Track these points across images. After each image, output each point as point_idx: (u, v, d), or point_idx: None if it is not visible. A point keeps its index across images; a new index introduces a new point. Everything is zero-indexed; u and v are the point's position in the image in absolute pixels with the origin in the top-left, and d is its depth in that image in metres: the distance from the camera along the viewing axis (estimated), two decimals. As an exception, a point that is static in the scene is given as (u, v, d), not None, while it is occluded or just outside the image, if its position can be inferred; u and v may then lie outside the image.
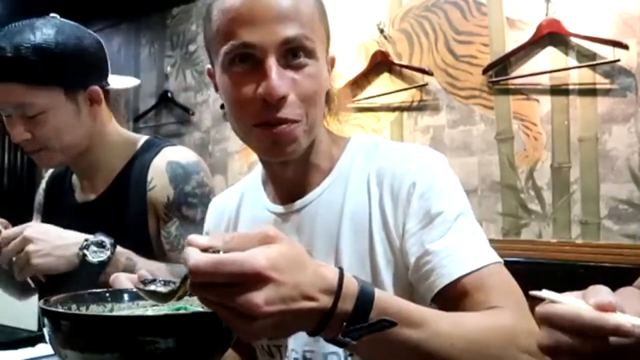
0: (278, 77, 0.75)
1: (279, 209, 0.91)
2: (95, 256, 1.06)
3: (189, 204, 1.20)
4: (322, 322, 0.56)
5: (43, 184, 1.45)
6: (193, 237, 0.54)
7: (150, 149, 1.28)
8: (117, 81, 1.31)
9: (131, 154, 1.28)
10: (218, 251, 0.53)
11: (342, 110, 0.94)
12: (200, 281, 0.52)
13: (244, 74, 0.77)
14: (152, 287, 0.66)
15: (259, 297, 0.51)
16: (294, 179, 0.89)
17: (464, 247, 0.78)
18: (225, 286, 0.51)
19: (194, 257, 0.52)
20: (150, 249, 1.21)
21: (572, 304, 0.52)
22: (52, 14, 1.22)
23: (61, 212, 1.34)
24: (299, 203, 0.89)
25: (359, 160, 0.89)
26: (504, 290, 0.77)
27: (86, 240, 1.07)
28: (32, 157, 1.22)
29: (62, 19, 1.20)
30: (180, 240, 1.19)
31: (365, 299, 0.58)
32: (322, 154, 0.89)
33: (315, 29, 0.79)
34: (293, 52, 0.77)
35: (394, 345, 0.60)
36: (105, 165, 1.27)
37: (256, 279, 0.51)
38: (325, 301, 0.55)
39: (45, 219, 1.40)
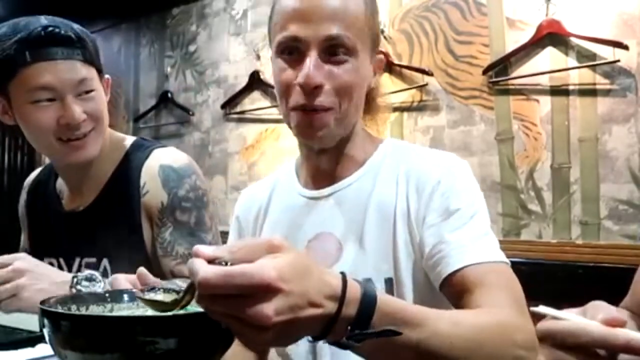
0: (315, 68, 0.85)
1: (311, 193, 1.00)
2: (89, 291, 0.99)
3: (182, 208, 1.18)
4: (327, 328, 0.57)
5: (24, 195, 1.39)
6: (199, 248, 0.54)
7: (139, 151, 1.25)
8: None
9: (120, 156, 1.25)
10: (225, 262, 0.53)
11: (379, 112, 1.04)
12: (209, 293, 0.52)
13: (289, 62, 0.89)
14: (153, 296, 0.66)
15: (269, 308, 0.51)
16: (327, 167, 0.98)
17: (474, 242, 0.84)
18: (234, 298, 0.52)
19: (203, 269, 0.52)
20: (145, 256, 1.19)
21: (576, 320, 0.51)
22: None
23: (47, 222, 1.30)
24: (329, 189, 0.98)
25: (390, 159, 0.98)
26: (506, 289, 0.80)
27: (75, 277, 1.00)
28: (78, 145, 1.18)
29: None
30: (174, 246, 1.17)
31: (368, 303, 0.59)
32: (357, 147, 0.98)
33: (359, 29, 0.88)
34: (334, 49, 0.87)
35: (395, 346, 0.61)
36: (95, 170, 1.23)
37: (266, 290, 0.51)
38: (330, 307, 0.56)
39: (30, 230, 1.36)
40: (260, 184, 1.13)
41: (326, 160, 0.97)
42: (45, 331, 0.63)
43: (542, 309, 0.55)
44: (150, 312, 0.73)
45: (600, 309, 0.52)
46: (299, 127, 0.91)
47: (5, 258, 1.05)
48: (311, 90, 0.86)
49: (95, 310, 0.75)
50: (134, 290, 0.70)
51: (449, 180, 0.90)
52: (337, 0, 0.87)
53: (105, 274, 1.20)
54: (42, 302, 0.67)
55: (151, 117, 3.36)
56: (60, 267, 1.27)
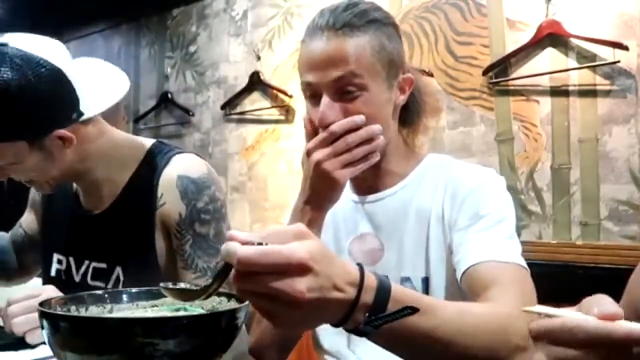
0: (328, 109, 0.95)
1: (359, 198, 1.09)
2: None
3: (202, 220, 1.15)
4: (347, 313, 0.61)
5: None
6: (234, 233, 0.58)
7: (157, 158, 1.21)
8: (98, 100, 1.14)
9: (137, 162, 1.21)
10: (259, 244, 0.56)
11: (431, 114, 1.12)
12: (247, 270, 0.55)
13: (312, 104, 0.99)
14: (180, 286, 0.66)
15: (302, 285, 0.55)
16: (365, 180, 1.05)
17: (496, 243, 0.91)
18: (269, 275, 0.55)
19: (242, 248, 0.55)
20: (155, 267, 1.17)
21: (570, 316, 0.51)
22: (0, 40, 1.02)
23: (62, 220, 1.30)
24: (373, 197, 1.08)
25: (431, 172, 1.06)
26: (518, 289, 0.85)
27: None
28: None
29: (11, 48, 1.01)
30: (195, 260, 1.15)
31: (383, 291, 0.63)
32: (396, 162, 1.06)
33: (366, 65, 0.96)
34: (343, 88, 0.95)
35: (409, 332, 0.66)
36: (108, 180, 1.20)
37: (299, 268, 0.56)
38: (351, 292, 0.61)
39: (45, 226, 1.36)
40: None
41: (367, 176, 1.02)
42: (45, 332, 0.63)
43: (537, 308, 0.55)
44: (149, 313, 0.73)
45: (594, 303, 0.51)
46: None
47: (35, 290, 1.04)
48: (325, 127, 0.95)
49: (94, 311, 0.75)
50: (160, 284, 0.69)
51: (482, 189, 0.98)
52: (341, 45, 0.95)
53: (117, 283, 1.19)
54: (42, 304, 0.67)
55: (151, 117, 3.36)
56: (68, 266, 1.26)
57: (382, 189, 1.07)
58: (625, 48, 1.83)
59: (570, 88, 1.98)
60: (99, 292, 0.77)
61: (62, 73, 1.04)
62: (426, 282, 1.00)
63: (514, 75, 2.09)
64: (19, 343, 1.01)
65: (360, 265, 0.64)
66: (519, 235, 0.99)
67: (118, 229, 1.19)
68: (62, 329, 0.61)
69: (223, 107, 2.98)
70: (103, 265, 1.21)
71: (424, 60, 2.30)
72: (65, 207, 1.30)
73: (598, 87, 1.92)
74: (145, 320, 0.63)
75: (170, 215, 1.16)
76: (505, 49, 2.11)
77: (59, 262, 1.28)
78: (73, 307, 0.73)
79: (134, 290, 0.78)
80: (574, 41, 1.96)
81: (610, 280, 1.96)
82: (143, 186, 1.19)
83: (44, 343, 0.98)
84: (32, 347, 1.01)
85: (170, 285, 0.66)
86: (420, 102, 1.09)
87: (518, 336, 0.73)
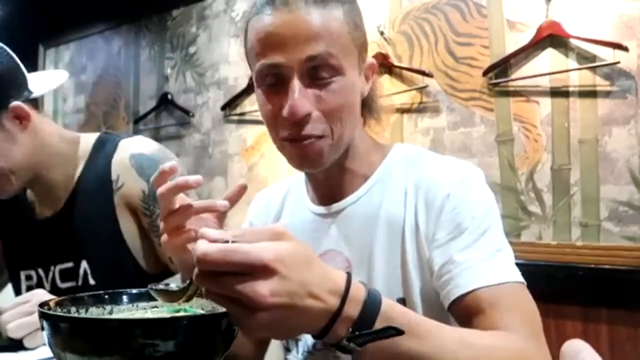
0: (300, 97, 0.79)
1: (319, 209, 0.96)
2: None
3: None
4: (327, 325, 0.56)
5: None
6: (205, 230, 0.55)
7: (104, 146, 1.21)
8: (41, 84, 1.20)
9: (85, 156, 1.21)
10: (227, 242, 0.54)
11: (382, 113, 0.98)
12: (207, 269, 0.52)
13: (273, 91, 0.82)
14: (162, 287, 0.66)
15: (264, 287, 0.51)
16: (329, 183, 0.94)
17: (486, 261, 0.79)
18: (232, 276, 0.52)
19: (203, 245, 0.52)
20: (125, 250, 1.17)
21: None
22: None
23: (20, 233, 1.28)
24: (336, 206, 0.94)
25: (399, 168, 0.92)
26: (519, 312, 0.75)
27: None
28: None
29: None
30: None
31: (371, 305, 0.57)
32: (360, 159, 0.93)
33: (342, 44, 0.81)
34: (317, 70, 0.80)
35: (397, 356, 0.59)
36: (60, 177, 1.20)
37: (263, 270, 0.51)
38: (332, 302, 0.56)
39: (5, 247, 1.34)
40: (274, 189, 1.10)
41: (329, 178, 0.93)
42: (45, 334, 0.63)
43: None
44: (149, 314, 0.73)
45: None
46: (291, 159, 0.87)
47: (25, 295, 1.05)
48: (298, 120, 0.80)
49: (94, 312, 0.75)
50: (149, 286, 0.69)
51: (460, 193, 0.85)
52: (315, 17, 0.79)
53: (85, 277, 1.18)
54: (41, 305, 0.67)
55: (151, 118, 3.36)
56: (39, 279, 1.24)
57: (345, 195, 0.93)
58: (625, 49, 1.83)
59: (570, 89, 1.98)
60: (99, 292, 0.77)
61: (15, 59, 1.13)
62: (403, 303, 0.85)
63: (514, 76, 2.09)
64: (18, 345, 1.01)
65: (348, 274, 0.59)
66: (519, 236, 0.96)
67: (78, 223, 1.18)
68: (62, 330, 0.61)
69: (223, 108, 2.98)
70: (69, 265, 1.20)
71: (424, 61, 2.30)
72: (21, 220, 1.28)
73: (598, 88, 1.92)
74: (145, 321, 0.63)
75: (132, 195, 1.15)
76: (505, 49, 2.11)
77: (28, 277, 1.27)
78: (73, 309, 0.73)
79: (134, 291, 0.78)
80: (574, 42, 1.96)
81: (611, 281, 1.96)
82: (95, 176, 1.18)
83: (43, 345, 0.99)
84: (32, 348, 1.01)
85: (156, 286, 0.66)
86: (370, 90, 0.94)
87: None
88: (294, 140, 0.83)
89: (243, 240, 0.53)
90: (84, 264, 1.19)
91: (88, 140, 1.24)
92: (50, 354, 0.66)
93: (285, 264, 0.52)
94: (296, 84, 0.79)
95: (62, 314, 0.68)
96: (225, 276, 0.52)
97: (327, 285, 0.55)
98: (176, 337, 0.59)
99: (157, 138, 3.26)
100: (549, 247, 1.98)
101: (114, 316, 0.74)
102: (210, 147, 3.07)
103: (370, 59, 0.91)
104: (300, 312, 0.54)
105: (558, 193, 1.99)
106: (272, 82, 0.82)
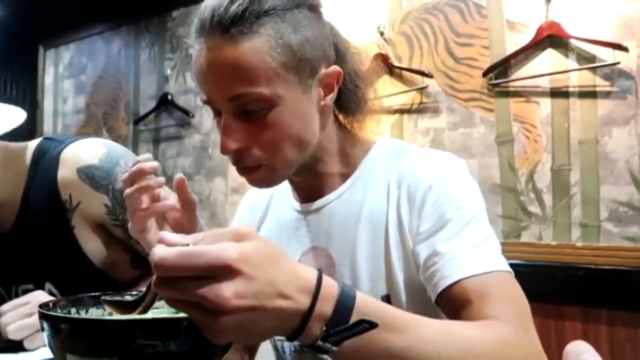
0: (229, 133, 0.80)
1: (301, 206, 0.96)
2: None
3: None
4: (299, 325, 0.53)
5: None
6: (163, 234, 0.52)
7: (43, 160, 1.10)
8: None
9: (24, 171, 1.11)
10: (187, 246, 0.51)
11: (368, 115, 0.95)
12: (166, 275, 0.49)
13: (218, 121, 0.84)
14: (117, 298, 0.65)
15: (227, 290, 0.48)
16: (306, 184, 0.93)
17: (471, 251, 0.78)
18: (193, 280, 0.48)
19: (160, 250, 0.49)
20: (92, 268, 1.11)
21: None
22: None
23: None
24: (318, 203, 0.93)
25: (382, 163, 0.91)
26: (507, 301, 0.74)
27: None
28: None
29: None
30: None
31: (345, 302, 0.55)
32: (333, 161, 0.92)
33: (268, 76, 0.77)
34: (245, 105, 0.79)
35: (376, 353, 0.57)
36: (6, 196, 1.10)
37: (226, 271, 0.48)
38: (303, 301, 0.53)
39: None
40: (259, 190, 1.08)
41: (305, 181, 0.92)
42: (45, 335, 0.63)
43: None
44: (150, 315, 0.73)
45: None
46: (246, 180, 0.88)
47: (25, 297, 1.03)
48: (231, 154, 0.81)
49: (94, 313, 0.75)
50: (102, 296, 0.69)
51: (442, 185, 0.83)
52: (228, 56, 0.76)
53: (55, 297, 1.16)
54: (41, 306, 0.67)
55: (151, 119, 3.36)
56: (1, 298, 1.20)
57: (327, 192, 0.92)
58: (625, 49, 1.83)
59: (570, 89, 1.98)
60: (99, 293, 0.77)
61: None
62: (387, 300, 0.84)
63: (514, 77, 2.09)
64: (18, 346, 1.01)
65: (319, 271, 0.55)
66: (519, 236, 0.96)
67: (31, 246, 1.12)
68: (63, 331, 0.61)
69: (223, 109, 2.98)
70: (30, 286, 1.15)
71: (423, 62, 2.30)
72: None
73: (598, 89, 1.93)
74: (145, 322, 0.63)
75: (94, 212, 1.08)
76: (505, 50, 2.11)
77: None
78: (73, 310, 0.73)
79: (134, 292, 0.78)
80: (574, 42, 1.96)
81: (611, 282, 1.96)
82: (41, 195, 1.09)
83: (43, 346, 0.98)
84: (32, 349, 1.01)
85: (110, 297, 0.65)
86: (354, 89, 0.91)
87: None
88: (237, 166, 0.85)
89: (204, 243, 0.50)
90: (49, 285, 1.14)
91: (26, 152, 1.13)
92: (50, 355, 0.65)
93: (249, 263, 0.49)
94: (225, 119, 0.80)
95: (62, 314, 0.68)
96: (186, 280, 0.48)
97: (296, 283, 0.52)
98: (176, 338, 0.59)
99: (157, 139, 3.26)
100: (549, 247, 1.98)
101: (114, 317, 0.74)
102: (210, 147, 3.07)
103: (333, 66, 0.85)
104: (269, 313, 0.51)
105: (558, 193, 1.99)
106: (215, 113, 0.85)
